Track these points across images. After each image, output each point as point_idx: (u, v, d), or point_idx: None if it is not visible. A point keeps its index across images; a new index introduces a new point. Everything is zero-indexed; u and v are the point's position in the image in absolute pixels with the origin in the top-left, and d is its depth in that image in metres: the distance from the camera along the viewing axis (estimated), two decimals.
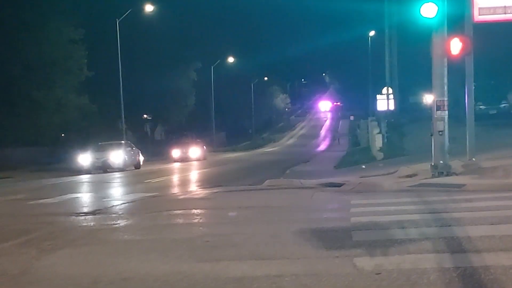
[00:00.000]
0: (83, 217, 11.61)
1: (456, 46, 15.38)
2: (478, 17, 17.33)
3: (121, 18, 45.54)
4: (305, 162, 39.40)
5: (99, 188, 20.97)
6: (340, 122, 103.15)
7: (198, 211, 12.27)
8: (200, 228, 9.47)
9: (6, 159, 40.77)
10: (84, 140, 47.98)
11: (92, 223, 10.66)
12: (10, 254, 7.99)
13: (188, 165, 37.78)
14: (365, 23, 61.68)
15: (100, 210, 12.78)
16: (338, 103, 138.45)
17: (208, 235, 8.69)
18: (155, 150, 54.41)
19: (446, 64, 15.76)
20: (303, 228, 8.91)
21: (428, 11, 14.80)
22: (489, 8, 17.20)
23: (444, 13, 15.26)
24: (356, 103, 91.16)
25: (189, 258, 7.24)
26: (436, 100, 15.84)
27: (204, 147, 47.84)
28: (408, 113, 50.68)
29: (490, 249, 6.94)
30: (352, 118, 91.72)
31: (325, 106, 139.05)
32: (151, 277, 6.40)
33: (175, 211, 12.26)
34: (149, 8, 49.46)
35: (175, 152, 44.81)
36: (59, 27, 40.80)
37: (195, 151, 45.24)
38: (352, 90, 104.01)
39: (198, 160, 43.47)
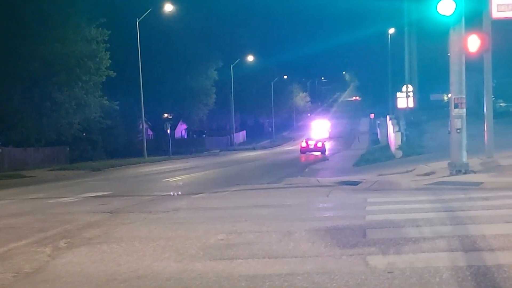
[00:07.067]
0: (100, 216, 11.71)
1: (474, 43, 15.29)
2: (496, 14, 17.22)
3: (141, 18, 45.91)
4: (324, 161, 39.38)
5: (118, 187, 21.17)
6: (361, 120, 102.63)
7: (214, 209, 12.31)
8: (215, 226, 9.48)
9: (29, 158, 41.48)
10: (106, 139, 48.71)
11: (109, 222, 10.73)
12: (25, 253, 8.06)
13: None
14: (384, 20, 61.48)
15: (118, 209, 12.89)
16: (358, 98, 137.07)
17: (223, 233, 8.73)
18: (174, 149, 54.74)
19: (464, 61, 15.65)
20: (317, 226, 8.92)
21: (445, 9, 14.69)
22: (508, 5, 17.07)
23: (462, 10, 15.15)
24: (377, 101, 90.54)
25: (202, 257, 7.27)
26: (454, 98, 15.72)
27: None
28: (429, 110, 50.20)
29: (504, 247, 6.89)
30: (372, 116, 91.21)
31: (320, 129, 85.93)
32: (164, 275, 6.44)
33: (191, 210, 12.32)
34: (168, 7, 49.77)
35: None
36: (80, 26, 41.13)
37: None
38: (372, 88, 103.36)
39: None
